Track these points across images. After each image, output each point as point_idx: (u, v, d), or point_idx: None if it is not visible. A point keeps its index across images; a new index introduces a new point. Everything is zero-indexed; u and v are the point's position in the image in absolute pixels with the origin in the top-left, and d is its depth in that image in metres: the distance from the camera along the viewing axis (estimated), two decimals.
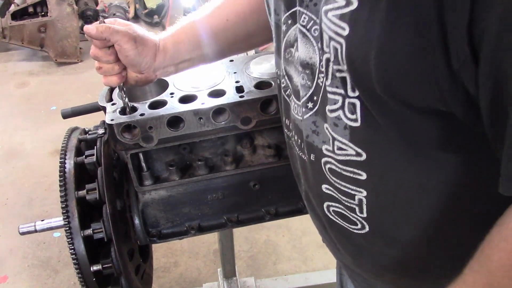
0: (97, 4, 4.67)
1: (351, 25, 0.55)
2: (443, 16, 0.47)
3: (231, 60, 1.16)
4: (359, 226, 0.73)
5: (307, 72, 0.68)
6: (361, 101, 0.60)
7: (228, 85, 1.06)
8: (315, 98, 0.68)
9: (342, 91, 0.62)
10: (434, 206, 0.66)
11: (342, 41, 0.56)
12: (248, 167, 1.13)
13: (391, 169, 0.65)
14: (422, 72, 0.51)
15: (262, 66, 1.11)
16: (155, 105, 1.02)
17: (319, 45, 0.63)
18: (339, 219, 0.76)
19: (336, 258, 0.94)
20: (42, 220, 1.12)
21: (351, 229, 0.75)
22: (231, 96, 1.02)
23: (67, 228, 1.02)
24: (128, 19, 4.63)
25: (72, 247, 1.02)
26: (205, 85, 1.07)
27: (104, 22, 0.87)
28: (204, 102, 1.01)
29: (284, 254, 2.31)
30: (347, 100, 0.62)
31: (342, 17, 0.55)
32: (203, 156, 1.13)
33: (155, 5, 4.64)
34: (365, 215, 0.71)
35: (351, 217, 0.73)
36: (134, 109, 1.00)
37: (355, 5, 0.54)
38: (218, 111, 1.01)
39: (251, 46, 1.05)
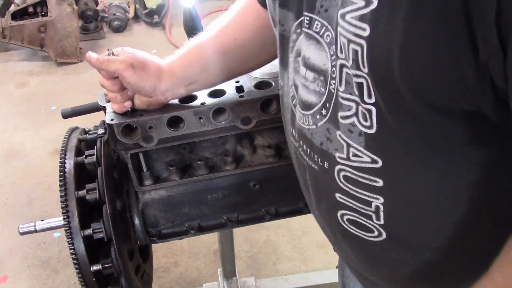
0: (97, 4, 4.67)
1: (372, 25, 0.53)
2: (469, 6, 0.46)
3: None
4: (376, 233, 0.72)
5: (321, 78, 0.67)
6: (377, 108, 0.59)
7: (228, 85, 1.06)
8: (327, 105, 0.67)
9: (356, 98, 0.61)
10: (454, 210, 0.65)
11: (363, 42, 0.55)
12: (248, 167, 1.13)
13: (409, 175, 0.64)
14: (448, 66, 0.50)
15: None
16: None
17: (331, 51, 0.62)
18: (354, 228, 0.74)
19: (349, 267, 0.93)
20: (42, 220, 1.12)
21: (366, 237, 0.73)
22: (231, 96, 1.02)
23: (67, 228, 1.02)
24: (128, 19, 4.64)
25: (72, 247, 1.02)
26: None
27: (112, 53, 0.93)
28: (204, 102, 1.01)
29: (284, 254, 2.31)
30: (361, 107, 0.60)
31: (362, 18, 0.54)
32: (203, 156, 1.13)
33: (155, 5, 4.64)
34: (382, 222, 0.69)
35: (367, 224, 0.72)
36: (134, 109, 1.00)
37: (375, 4, 0.52)
38: (218, 111, 1.01)
39: (260, 64, 1.05)
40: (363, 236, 0.74)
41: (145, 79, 0.92)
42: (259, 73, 1.10)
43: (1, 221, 2.56)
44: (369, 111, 0.60)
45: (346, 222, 0.75)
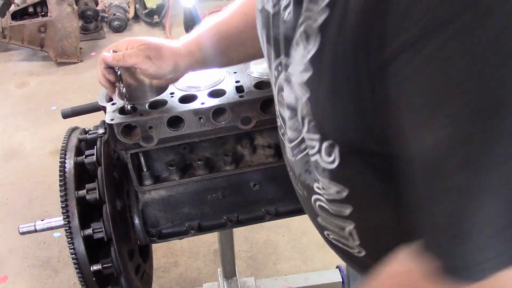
0: (97, 4, 4.67)
1: (309, 89, 0.59)
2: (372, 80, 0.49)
3: None
4: (357, 250, 0.75)
5: (295, 117, 0.70)
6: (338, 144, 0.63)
7: (228, 85, 1.06)
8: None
9: (317, 137, 0.64)
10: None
11: (307, 101, 0.60)
12: (248, 167, 1.13)
13: (373, 202, 0.67)
14: (361, 123, 0.55)
15: (262, 66, 1.11)
16: (155, 105, 1.02)
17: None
18: (339, 243, 0.78)
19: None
20: (42, 220, 1.12)
21: (351, 252, 0.77)
22: (231, 96, 1.02)
23: (67, 228, 1.02)
24: (128, 19, 4.64)
25: (72, 247, 1.02)
26: (205, 85, 1.07)
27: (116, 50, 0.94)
28: (204, 102, 1.01)
29: (284, 254, 2.31)
30: (324, 144, 0.63)
31: (304, 83, 0.59)
32: (203, 156, 1.13)
33: (155, 5, 4.64)
34: (358, 242, 0.73)
35: (347, 242, 0.76)
36: (134, 109, 1.01)
37: (310, 72, 0.57)
38: (218, 111, 1.01)
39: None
40: (349, 250, 0.77)
41: (164, 66, 0.93)
42: (259, 73, 1.10)
43: (1, 221, 2.56)
44: (332, 145, 0.63)
45: (332, 239, 0.79)
